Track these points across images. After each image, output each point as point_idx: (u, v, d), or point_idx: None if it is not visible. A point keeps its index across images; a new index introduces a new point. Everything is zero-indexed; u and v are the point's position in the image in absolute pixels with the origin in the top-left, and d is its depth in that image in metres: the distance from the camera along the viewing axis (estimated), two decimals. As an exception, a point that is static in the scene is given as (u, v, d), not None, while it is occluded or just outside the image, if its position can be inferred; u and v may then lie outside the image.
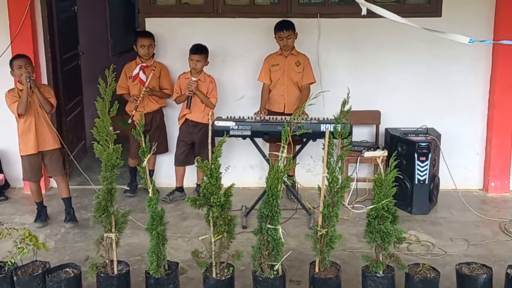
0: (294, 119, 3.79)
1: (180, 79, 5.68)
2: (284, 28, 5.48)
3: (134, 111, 5.57)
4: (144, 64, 5.71)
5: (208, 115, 4.03)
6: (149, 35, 5.78)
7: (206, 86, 5.61)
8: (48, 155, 5.26)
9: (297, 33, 5.55)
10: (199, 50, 5.56)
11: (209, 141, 3.78)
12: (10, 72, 5.15)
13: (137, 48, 5.73)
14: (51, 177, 5.62)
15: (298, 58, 5.61)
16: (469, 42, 3.14)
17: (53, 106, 5.21)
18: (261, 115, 5.42)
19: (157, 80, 5.77)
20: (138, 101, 5.59)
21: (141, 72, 5.70)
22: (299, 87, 5.65)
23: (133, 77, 5.71)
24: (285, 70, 5.58)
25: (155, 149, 4.02)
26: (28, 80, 4.98)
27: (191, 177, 5.97)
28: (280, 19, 5.59)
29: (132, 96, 5.67)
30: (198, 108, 5.62)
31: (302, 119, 5.09)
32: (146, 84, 5.62)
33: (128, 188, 5.93)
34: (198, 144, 5.71)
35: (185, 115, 5.67)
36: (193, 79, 5.55)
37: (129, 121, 5.54)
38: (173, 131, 5.96)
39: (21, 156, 5.28)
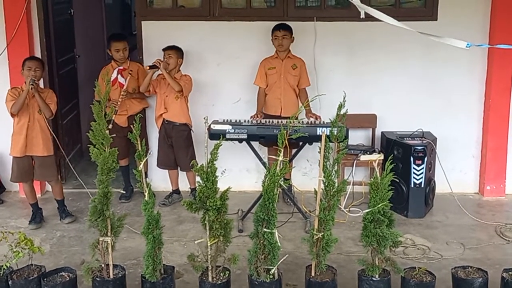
0: (291, 123, 3.79)
1: (156, 79, 5.67)
2: (281, 28, 5.49)
3: (114, 115, 5.54)
4: (121, 68, 5.70)
5: (204, 119, 4.02)
6: (123, 39, 5.78)
7: (180, 81, 5.59)
8: (39, 160, 5.26)
9: (293, 37, 5.55)
10: (171, 47, 5.57)
11: (206, 144, 3.78)
12: (21, 72, 5.17)
13: (111, 52, 5.72)
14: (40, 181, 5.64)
15: (295, 62, 5.61)
16: (466, 46, 3.15)
17: (52, 112, 5.23)
18: (257, 118, 5.43)
19: (136, 81, 5.75)
20: (117, 107, 5.56)
21: (119, 76, 5.69)
22: (295, 91, 5.66)
23: (112, 82, 5.64)
24: (282, 73, 5.59)
25: (151, 152, 4.03)
26: (31, 83, 5.00)
27: (185, 180, 5.96)
28: (276, 22, 5.60)
29: (110, 102, 5.59)
30: (174, 106, 5.60)
31: (314, 121, 5.15)
32: (124, 87, 5.60)
33: (124, 192, 5.91)
34: (175, 145, 5.70)
35: (161, 115, 5.64)
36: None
37: (110, 126, 5.48)
38: (154, 132, 5.97)
39: (12, 156, 5.30)
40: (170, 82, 5.46)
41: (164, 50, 5.59)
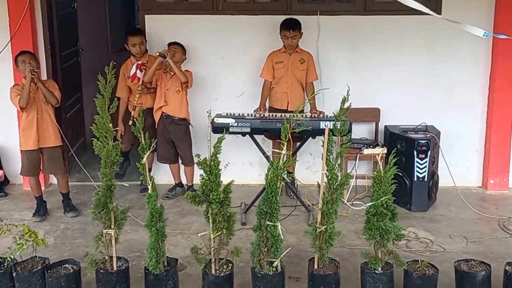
0: (294, 117, 3.79)
1: (158, 72, 5.65)
2: (291, 29, 5.45)
3: (133, 111, 5.56)
4: (140, 62, 5.69)
5: (207, 112, 4.02)
6: (139, 33, 5.78)
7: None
8: (48, 153, 5.27)
9: (302, 32, 5.53)
10: (177, 43, 5.60)
11: (209, 138, 3.79)
12: (16, 68, 5.19)
13: (128, 47, 5.71)
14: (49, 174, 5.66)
15: (302, 56, 5.59)
16: (483, 35, 3.18)
17: (58, 99, 5.24)
18: (261, 112, 5.43)
19: (154, 75, 5.75)
20: (136, 102, 5.58)
21: (138, 71, 5.68)
22: (302, 85, 5.65)
23: (131, 77, 5.68)
24: (289, 67, 5.57)
25: (155, 146, 4.03)
26: (30, 72, 5.00)
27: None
28: (280, 16, 5.58)
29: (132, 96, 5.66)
30: (174, 100, 5.60)
31: (317, 116, 5.17)
32: (140, 82, 5.60)
33: (122, 173, 5.93)
34: (175, 139, 5.71)
35: (160, 108, 5.63)
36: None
37: (130, 122, 5.51)
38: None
39: (21, 151, 5.30)
40: (177, 72, 5.45)
41: (169, 44, 5.59)
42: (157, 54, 5.46)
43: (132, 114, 5.58)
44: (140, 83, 5.61)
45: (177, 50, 5.56)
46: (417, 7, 3.29)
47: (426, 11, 3.31)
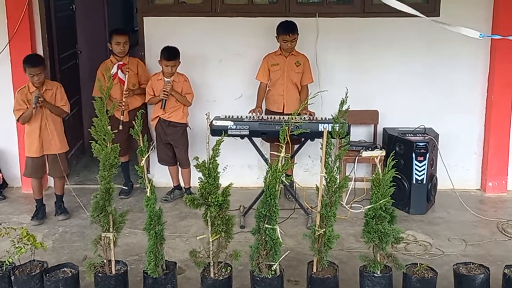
0: (293, 119, 3.79)
1: (152, 80, 5.63)
2: (290, 32, 5.45)
3: (122, 116, 5.56)
4: (121, 62, 5.67)
5: (206, 115, 4.02)
6: (125, 32, 5.78)
7: (181, 86, 5.59)
8: (53, 158, 5.24)
9: (298, 33, 5.54)
10: (174, 56, 5.51)
11: (208, 141, 3.79)
12: (24, 71, 5.14)
13: (111, 45, 5.69)
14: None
15: (298, 58, 5.60)
16: (479, 36, 3.19)
17: (67, 112, 5.29)
18: (257, 113, 5.42)
19: (136, 76, 5.74)
20: (123, 107, 5.58)
21: (119, 71, 5.66)
22: (298, 87, 5.65)
23: (112, 76, 5.58)
24: (285, 70, 5.57)
25: (153, 148, 4.03)
26: (35, 103, 4.96)
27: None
28: (278, 18, 5.58)
29: (113, 100, 5.58)
30: (173, 109, 5.60)
31: (307, 118, 5.15)
32: (125, 87, 5.59)
33: (126, 188, 5.90)
34: (173, 142, 5.71)
35: (158, 116, 5.64)
36: (166, 80, 5.51)
37: (120, 127, 5.49)
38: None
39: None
40: (182, 101, 5.55)
41: (164, 59, 5.47)
42: (163, 96, 5.45)
43: (121, 119, 5.56)
44: (125, 87, 5.59)
45: (174, 65, 5.48)
46: (408, 10, 3.29)
47: (415, 13, 3.32)
